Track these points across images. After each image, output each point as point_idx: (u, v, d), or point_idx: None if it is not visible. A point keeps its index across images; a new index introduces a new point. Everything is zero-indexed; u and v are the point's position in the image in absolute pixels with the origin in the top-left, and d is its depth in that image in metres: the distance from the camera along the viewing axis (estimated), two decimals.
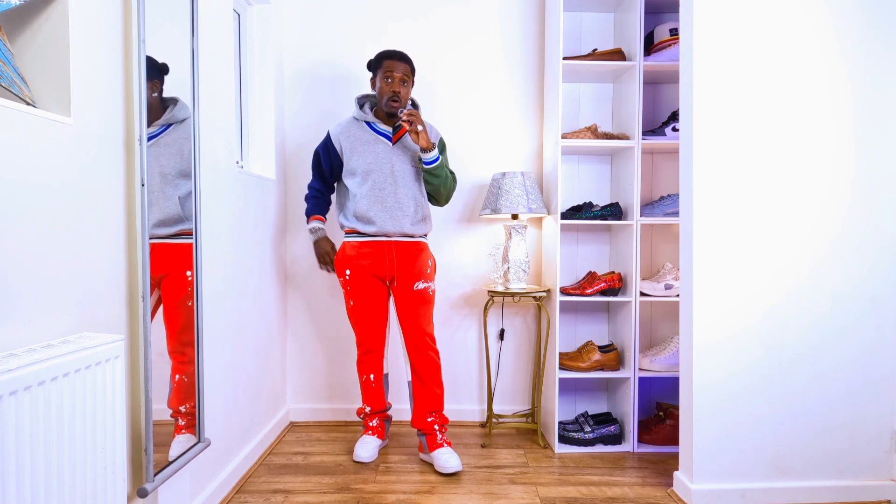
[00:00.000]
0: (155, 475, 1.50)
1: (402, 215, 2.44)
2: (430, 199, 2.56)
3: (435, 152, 2.41)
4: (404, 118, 2.31)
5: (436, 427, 2.47)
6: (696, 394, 2.08)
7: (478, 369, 3.02)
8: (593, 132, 2.69)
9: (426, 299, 2.49)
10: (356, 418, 3.01)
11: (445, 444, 2.45)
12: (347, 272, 2.47)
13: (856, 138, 2.11)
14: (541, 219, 2.98)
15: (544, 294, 2.68)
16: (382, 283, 2.49)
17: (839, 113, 2.10)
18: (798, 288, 2.10)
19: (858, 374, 2.12)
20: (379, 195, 2.43)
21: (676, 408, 2.64)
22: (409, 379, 2.53)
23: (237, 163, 2.60)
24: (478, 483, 2.27)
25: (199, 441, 1.79)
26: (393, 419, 2.99)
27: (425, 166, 2.42)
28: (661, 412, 2.71)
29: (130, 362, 1.49)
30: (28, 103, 1.22)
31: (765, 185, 2.09)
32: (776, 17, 2.08)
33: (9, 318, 1.11)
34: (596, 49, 2.85)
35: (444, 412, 2.59)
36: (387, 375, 2.63)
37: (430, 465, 2.45)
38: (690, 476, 2.10)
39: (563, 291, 2.70)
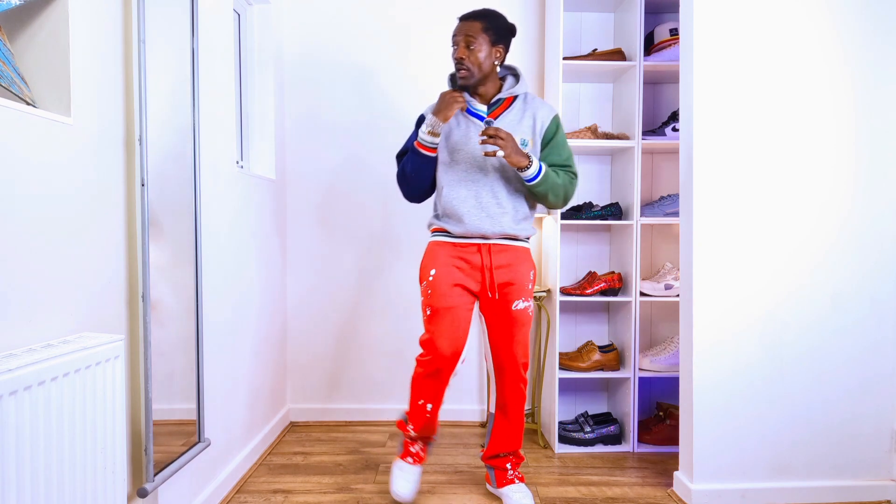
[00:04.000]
0: (155, 475, 1.50)
1: (501, 212, 2.00)
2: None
3: (534, 167, 1.92)
4: (481, 136, 1.86)
5: (508, 465, 2.14)
6: (696, 394, 2.08)
7: (478, 369, 3.02)
8: (593, 132, 2.69)
9: (525, 321, 2.06)
10: (356, 418, 3.00)
11: (517, 480, 2.11)
12: (432, 273, 2.04)
13: (856, 138, 2.11)
14: (541, 219, 2.98)
15: (544, 294, 2.68)
16: (471, 295, 2.07)
17: (840, 113, 2.10)
18: (798, 288, 2.10)
19: (858, 374, 2.12)
20: (472, 188, 2.00)
21: (676, 408, 2.64)
22: (492, 411, 2.17)
23: (237, 163, 2.60)
24: (478, 483, 2.27)
25: (199, 441, 1.79)
26: (394, 417, 3.00)
27: (526, 183, 1.97)
28: (661, 412, 2.70)
29: (130, 362, 1.49)
30: (28, 103, 1.22)
31: (765, 185, 2.09)
32: (776, 16, 2.08)
33: (9, 318, 1.11)
34: (596, 49, 2.85)
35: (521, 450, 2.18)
36: (493, 415, 2.18)
37: (431, 464, 2.44)
38: (690, 476, 2.10)
39: (563, 291, 2.70)
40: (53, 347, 1.13)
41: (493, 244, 2.03)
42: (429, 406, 2.07)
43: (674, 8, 2.77)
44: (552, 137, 2.05)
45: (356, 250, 2.99)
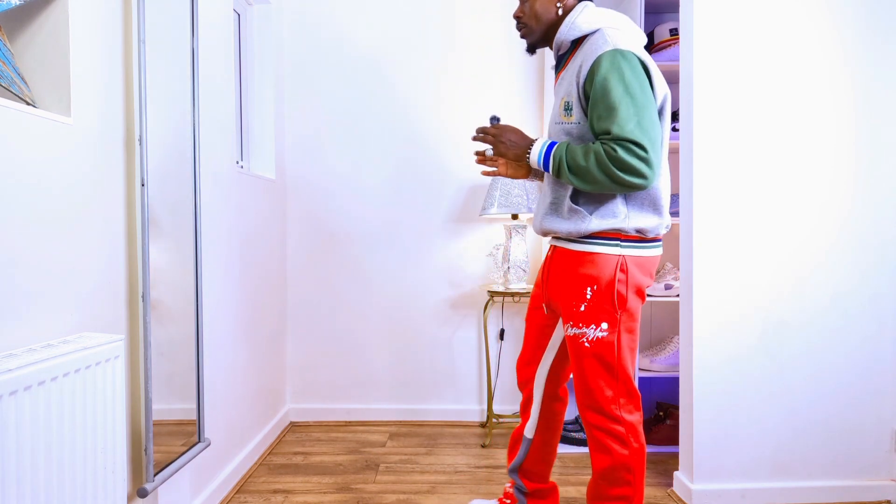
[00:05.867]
0: (155, 475, 1.50)
1: (542, 198, 1.57)
2: None
3: (535, 151, 1.47)
4: (477, 138, 1.55)
5: None
6: (695, 394, 2.08)
7: (477, 369, 3.02)
8: None
9: (582, 354, 1.51)
10: (356, 418, 3.00)
11: None
12: None
13: (856, 138, 2.11)
14: None
15: None
16: (543, 307, 1.70)
17: (840, 113, 2.10)
18: (798, 288, 2.10)
19: (858, 375, 2.11)
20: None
21: (676, 408, 2.64)
22: (529, 436, 1.76)
23: (237, 163, 2.60)
24: (478, 483, 2.27)
25: (199, 441, 1.79)
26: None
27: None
28: (661, 412, 2.70)
29: (130, 362, 1.49)
30: (28, 103, 1.22)
31: (765, 185, 2.09)
32: (776, 16, 2.07)
33: (9, 318, 1.11)
34: None
35: None
36: (528, 441, 1.75)
37: (431, 464, 2.45)
38: (690, 476, 2.10)
39: None
40: (53, 347, 1.13)
41: (554, 246, 1.59)
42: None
43: (674, 8, 2.77)
44: (591, 89, 1.40)
45: (356, 250, 2.99)
